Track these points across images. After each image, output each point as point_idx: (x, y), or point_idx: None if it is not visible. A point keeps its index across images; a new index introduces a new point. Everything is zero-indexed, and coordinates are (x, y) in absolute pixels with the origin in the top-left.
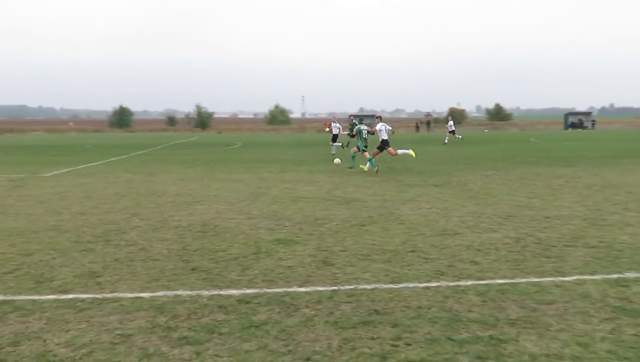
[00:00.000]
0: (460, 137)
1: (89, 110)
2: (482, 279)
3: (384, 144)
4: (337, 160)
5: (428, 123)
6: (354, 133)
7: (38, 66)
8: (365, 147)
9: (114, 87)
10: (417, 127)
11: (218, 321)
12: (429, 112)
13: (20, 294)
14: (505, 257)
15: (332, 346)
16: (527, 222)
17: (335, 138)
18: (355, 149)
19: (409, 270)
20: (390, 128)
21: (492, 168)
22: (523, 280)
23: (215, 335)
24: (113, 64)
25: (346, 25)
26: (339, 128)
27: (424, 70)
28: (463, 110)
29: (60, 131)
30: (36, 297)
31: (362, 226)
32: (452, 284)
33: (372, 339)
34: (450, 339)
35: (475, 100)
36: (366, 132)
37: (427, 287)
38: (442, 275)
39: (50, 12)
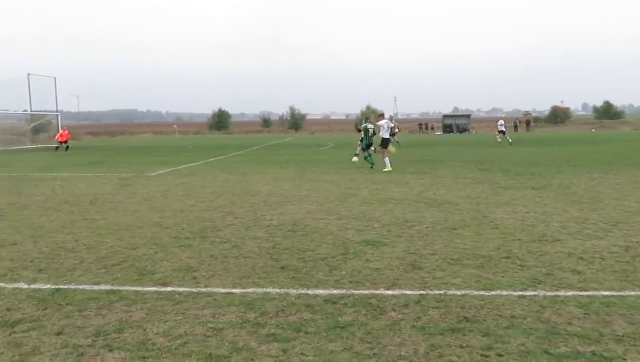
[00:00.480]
0: (509, 139)
1: (191, 113)
2: (585, 290)
3: (384, 142)
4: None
5: (527, 123)
6: (360, 129)
7: (147, 74)
8: (368, 145)
9: (214, 91)
10: (516, 126)
11: (305, 319)
12: (528, 111)
13: (125, 284)
14: (611, 267)
15: (419, 352)
16: (639, 230)
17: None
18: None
19: (503, 277)
20: (393, 125)
21: (598, 170)
22: (632, 293)
23: (301, 333)
24: (213, 70)
25: (440, 24)
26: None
27: (523, 67)
28: (567, 109)
29: (165, 133)
30: (139, 288)
31: (453, 229)
32: (550, 293)
33: (461, 347)
34: (546, 352)
35: (580, 98)
36: (372, 130)
37: (522, 296)
38: (540, 284)
39: (155, 26)
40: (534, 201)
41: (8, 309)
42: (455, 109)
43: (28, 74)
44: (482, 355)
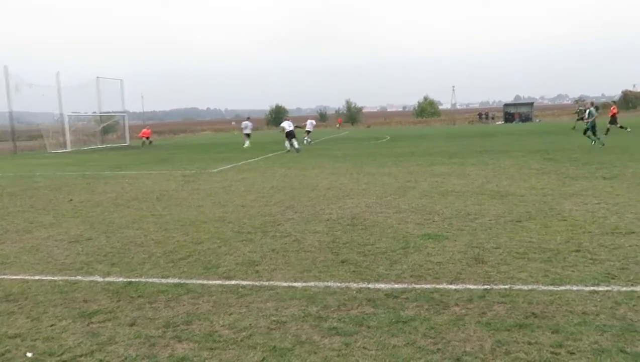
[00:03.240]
0: (624, 128)
1: (249, 110)
2: None
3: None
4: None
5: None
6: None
7: (206, 73)
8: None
9: (271, 87)
10: (579, 114)
11: (366, 314)
12: (593, 98)
13: (191, 278)
14: None
15: (485, 348)
16: None
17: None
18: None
19: (573, 271)
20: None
21: None
22: None
23: (363, 328)
24: (270, 66)
25: (499, 9)
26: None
27: (591, 50)
28: None
29: (225, 130)
30: (205, 281)
31: (518, 221)
32: (625, 289)
33: (530, 344)
34: (622, 351)
35: None
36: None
37: (594, 292)
38: (613, 278)
39: (211, 27)
40: (605, 192)
41: (85, 301)
42: (517, 97)
43: (97, 77)
44: (552, 352)
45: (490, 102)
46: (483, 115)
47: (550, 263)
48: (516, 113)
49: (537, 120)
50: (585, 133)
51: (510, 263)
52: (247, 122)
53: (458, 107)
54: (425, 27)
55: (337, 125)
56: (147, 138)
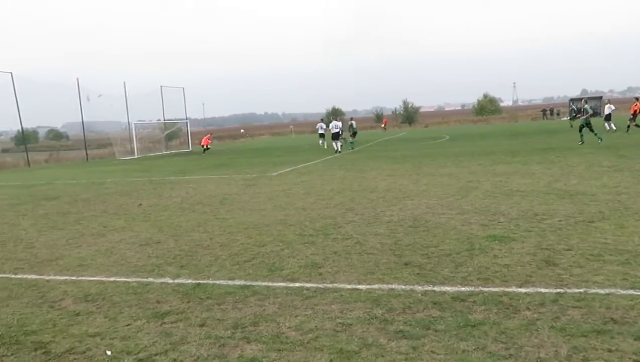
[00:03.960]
0: (609, 127)
1: (305, 113)
2: None
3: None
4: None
5: None
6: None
7: (263, 79)
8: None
9: (327, 90)
10: (570, 113)
11: (433, 317)
12: None
13: (257, 280)
14: None
15: (560, 354)
16: None
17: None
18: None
19: None
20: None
21: None
22: None
23: (430, 331)
24: (324, 69)
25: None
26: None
27: None
28: None
29: (282, 134)
30: (270, 283)
31: (591, 222)
32: None
33: (609, 351)
34: None
35: None
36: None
37: None
38: None
39: (266, 33)
40: None
41: (158, 302)
42: (584, 91)
43: (161, 86)
44: (635, 361)
45: (554, 97)
46: (547, 111)
47: (628, 266)
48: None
49: None
50: (580, 130)
51: (584, 266)
52: (321, 123)
53: (520, 103)
54: (484, 22)
55: (382, 126)
56: (207, 145)
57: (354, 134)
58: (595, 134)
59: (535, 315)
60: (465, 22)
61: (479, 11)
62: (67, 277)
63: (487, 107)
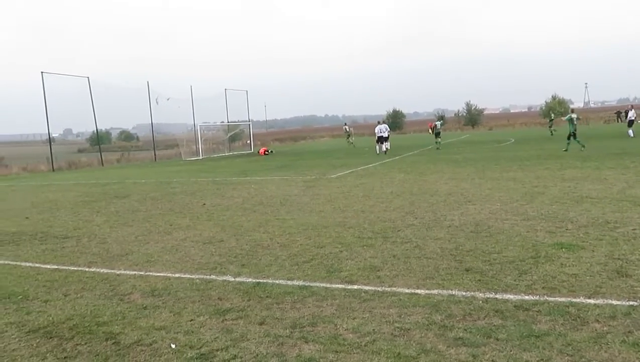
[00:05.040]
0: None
1: (366, 115)
2: None
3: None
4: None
5: None
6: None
7: (324, 81)
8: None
9: (387, 91)
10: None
11: (494, 325)
12: None
13: (315, 281)
14: None
15: None
16: None
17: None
18: None
19: None
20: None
21: None
22: None
23: (492, 339)
24: (385, 71)
25: None
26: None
27: None
28: None
29: (342, 136)
30: (328, 285)
31: None
32: None
33: None
34: None
35: None
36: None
37: None
38: None
39: (323, 37)
40: None
41: (220, 299)
42: None
43: (225, 89)
44: None
45: (630, 98)
46: (622, 113)
47: None
48: None
49: None
50: (568, 138)
51: None
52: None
53: (592, 105)
54: (551, 19)
55: (429, 131)
56: (266, 152)
57: (438, 134)
58: (578, 141)
59: (605, 328)
60: (533, 19)
61: (548, 8)
62: (135, 272)
63: (557, 109)
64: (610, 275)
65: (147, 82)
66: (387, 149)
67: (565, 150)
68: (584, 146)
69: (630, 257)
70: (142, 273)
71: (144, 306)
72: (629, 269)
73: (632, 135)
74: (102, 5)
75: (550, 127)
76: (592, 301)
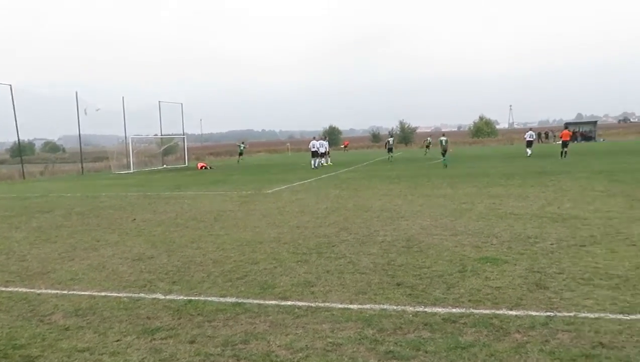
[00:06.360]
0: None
1: (302, 130)
2: None
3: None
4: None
5: None
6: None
7: (261, 97)
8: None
9: (324, 108)
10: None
11: (423, 338)
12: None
13: (248, 297)
14: None
15: None
16: None
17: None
18: None
19: None
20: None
21: None
22: None
23: (420, 352)
24: (322, 88)
25: (556, 24)
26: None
27: None
28: None
29: (279, 151)
30: (261, 301)
31: (582, 246)
32: None
33: None
34: None
35: None
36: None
37: None
38: None
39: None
40: None
41: (148, 318)
42: (579, 115)
43: (159, 102)
44: None
45: (550, 120)
46: (542, 134)
47: (618, 290)
48: (578, 132)
49: (601, 140)
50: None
51: (575, 289)
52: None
53: (515, 126)
54: (482, 44)
55: (343, 148)
56: (205, 167)
57: (390, 149)
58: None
59: (525, 338)
60: (463, 42)
61: (479, 33)
62: (58, 291)
63: (484, 129)
64: (530, 287)
65: (76, 92)
66: (320, 164)
67: (445, 165)
68: (446, 165)
69: (548, 270)
70: (65, 292)
71: (66, 326)
72: (547, 281)
73: (529, 154)
74: (30, 9)
75: (427, 147)
76: (513, 313)
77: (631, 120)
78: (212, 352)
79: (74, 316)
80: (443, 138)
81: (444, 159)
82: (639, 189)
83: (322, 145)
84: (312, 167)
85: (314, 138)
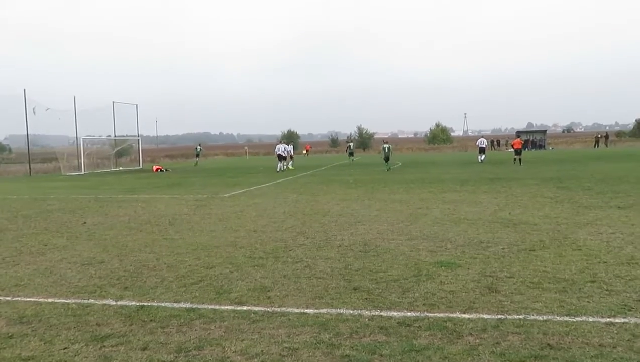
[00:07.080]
0: (481, 159)
1: (261, 135)
2: None
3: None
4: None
5: (606, 137)
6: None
7: (219, 99)
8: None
9: (283, 113)
10: (597, 142)
11: (379, 342)
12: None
13: (203, 303)
14: None
15: None
16: None
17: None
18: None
19: (588, 302)
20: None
21: None
22: None
23: (376, 356)
24: (281, 92)
25: (510, 35)
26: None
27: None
28: None
29: (237, 155)
30: (217, 306)
31: (532, 250)
32: None
33: None
34: None
35: None
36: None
37: (611, 323)
38: (630, 310)
39: (223, 52)
40: (621, 221)
41: (98, 325)
42: (530, 124)
43: (113, 102)
44: None
45: (502, 129)
46: (495, 142)
47: (565, 293)
48: (529, 140)
49: (550, 148)
50: (385, 161)
51: (525, 293)
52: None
53: (470, 133)
54: (439, 53)
55: (305, 153)
56: (160, 170)
57: (351, 154)
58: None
59: (477, 341)
60: (419, 50)
61: (433, 40)
62: (1, 298)
63: (439, 136)
64: (482, 291)
65: (24, 90)
66: (286, 167)
67: (388, 170)
68: (389, 169)
69: (500, 274)
70: (8, 298)
71: (10, 334)
72: (498, 285)
73: (481, 160)
74: None
75: (351, 154)
76: (466, 316)
77: (576, 130)
78: (165, 360)
79: (18, 323)
80: (386, 145)
81: (387, 165)
82: (584, 196)
83: (286, 150)
84: (277, 170)
85: (280, 142)
